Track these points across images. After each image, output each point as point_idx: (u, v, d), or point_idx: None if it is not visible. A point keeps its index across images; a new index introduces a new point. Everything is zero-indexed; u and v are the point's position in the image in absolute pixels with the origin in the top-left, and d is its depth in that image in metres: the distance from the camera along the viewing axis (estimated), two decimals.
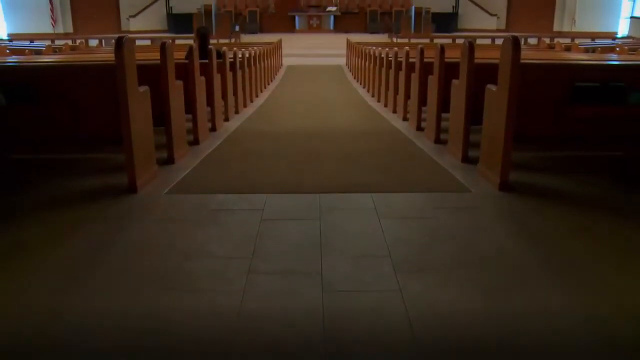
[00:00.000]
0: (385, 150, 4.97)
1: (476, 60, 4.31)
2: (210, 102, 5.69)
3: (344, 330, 2.08)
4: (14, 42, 13.78)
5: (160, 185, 3.80)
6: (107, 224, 3.13)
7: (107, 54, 7.99)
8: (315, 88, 10.53)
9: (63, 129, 4.16)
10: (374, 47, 9.91)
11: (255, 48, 10.15)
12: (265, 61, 10.83)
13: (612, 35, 18.37)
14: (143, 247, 2.84)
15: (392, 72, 7.23)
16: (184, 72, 4.92)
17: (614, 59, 7.42)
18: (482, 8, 23.54)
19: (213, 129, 5.77)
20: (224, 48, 6.92)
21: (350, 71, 13.87)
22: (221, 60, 6.33)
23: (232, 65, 6.99)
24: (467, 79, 4.28)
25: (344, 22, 23.23)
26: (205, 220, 3.18)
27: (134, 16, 23.15)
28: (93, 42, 15.17)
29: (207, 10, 21.24)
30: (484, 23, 23.11)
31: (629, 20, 20.45)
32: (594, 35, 16.00)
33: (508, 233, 3.00)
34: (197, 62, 5.15)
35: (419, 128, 5.77)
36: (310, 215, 3.24)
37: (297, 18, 23.40)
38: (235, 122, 6.42)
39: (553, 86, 4.17)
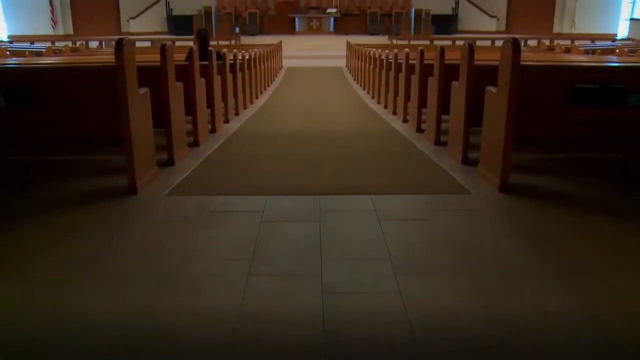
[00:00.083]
0: (385, 152, 4.97)
1: (476, 62, 4.31)
2: (210, 103, 5.69)
3: (344, 332, 2.08)
4: (14, 44, 13.82)
5: (160, 186, 3.80)
6: (107, 226, 3.13)
7: (107, 56, 8.00)
8: (315, 90, 10.54)
9: (63, 131, 4.17)
10: (374, 49, 9.92)
11: (255, 50, 10.16)
12: (265, 63, 10.84)
13: (612, 37, 18.39)
14: (143, 249, 2.84)
15: (392, 73, 7.23)
16: (184, 73, 4.92)
17: (613, 61, 7.43)
18: (482, 10, 23.58)
19: (213, 130, 5.78)
20: (224, 50, 6.92)
21: (350, 73, 13.89)
22: (221, 62, 6.34)
23: (232, 67, 7.00)
24: (467, 81, 4.28)
25: (344, 24, 23.26)
26: (205, 222, 3.18)
27: (134, 18, 23.19)
28: (93, 44, 15.18)
29: (207, 12, 21.30)
30: (484, 25, 23.15)
31: (628, 22, 20.48)
32: (593, 37, 16.02)
33: (508, 234, 3.00)
34: (197, 63, 5.16)
35: (419, 130, 5.78)
36: (310, 217, 3.24)
37: (297, 20, 23.43)
38: (235, 124, 6.42)
39: (553, 88, 4.17)
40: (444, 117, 5.05)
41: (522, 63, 3.58)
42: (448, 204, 3.49)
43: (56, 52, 10.53)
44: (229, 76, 6.69)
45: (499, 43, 11.45)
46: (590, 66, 5.32)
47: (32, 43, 13.78)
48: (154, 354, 1.97)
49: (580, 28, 21.15)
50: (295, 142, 5.39)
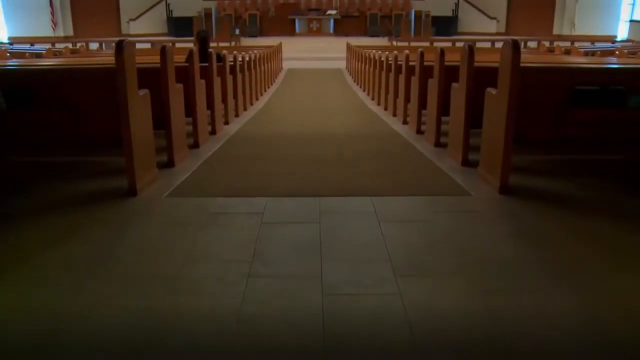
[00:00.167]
0: (385, 153, 4.97)
1: (476, 64, 4.31)
2: (210, 105, 5.70)
3: (343, 333, 2.08)
4: (15, 46, 13.84)
5: (160, 188, 3.81)
6: (107, 227, 3.13)
7: (107, 57, 8.01)
8: (315, 91, 10.55)
9: (63, 132, 4.17)
10: (374, 51, 9.93)
11: (255, 51, 10.17)
12: (266, 64, 10.85)
13: (612, 39, 18.42)
14: (143, 250, 2.84)
15: (392, 75, 7.24)
16: (184, 75, 4.93)
17: (613, 63, 7.44)
18: (481, 11, 23.59)
19: (213, 132, 5.78)
20: (224, 51, 6.93)
21: (350, 74, 13.90)
22: (221, 64, 6.35)
23: (232, 68, 7.00)
24: (467, 82, 4.28)
25: (344, 26, 23.26)
26: (205, 224, 3.18)
27: (134, 19, 23.19)
28: (93, 45, 15.21)
29: (207, 14, 21.30)
30: (484, 26, 23.15)
31: (628, 23, 20.50)
32: (593, 39, 16.06)
33: (508, 236, 3.00)
34: (197, 65, 5.16)
35: (419, 131, 5.78)
36: (310, 218, 3.24)
37: (297, 21, 23.43)
38: (235, 126, 6.42)
39: (553, 89, 4.18)
40: (444, 118, 5.05)
41: (522, 65, 3.58)
42: (448, 206, 3.49)
43: (56, 54, 10.55)
44: (229, 78, 6.70)
45: (498, 44, 11.48)
46: (590, 68, 5.33)
47: (32, 44, 13.81)
48: (154, 354, 1.97)
49: (580, 30, 21.16)
50: (295, 143, 5.39)
